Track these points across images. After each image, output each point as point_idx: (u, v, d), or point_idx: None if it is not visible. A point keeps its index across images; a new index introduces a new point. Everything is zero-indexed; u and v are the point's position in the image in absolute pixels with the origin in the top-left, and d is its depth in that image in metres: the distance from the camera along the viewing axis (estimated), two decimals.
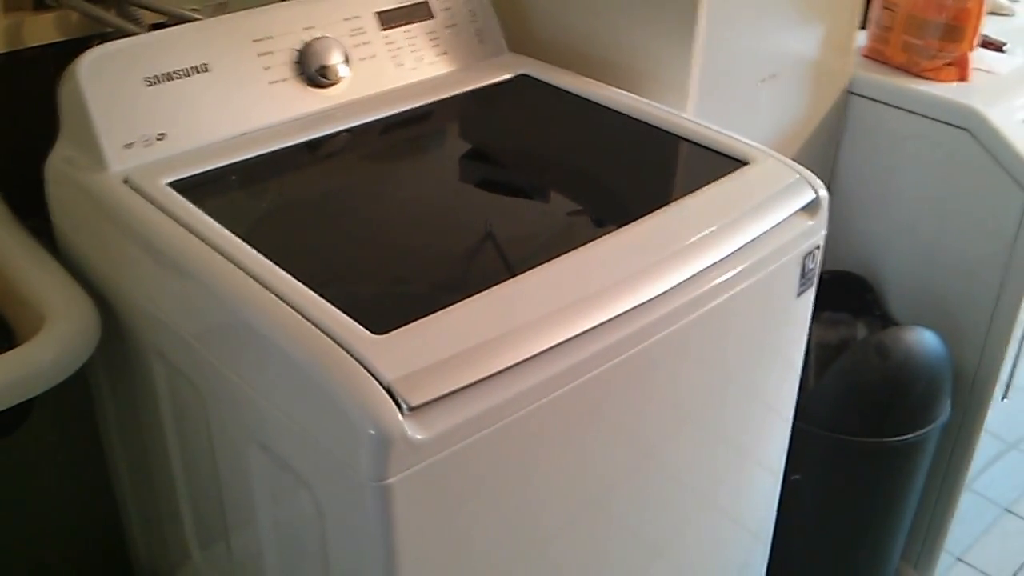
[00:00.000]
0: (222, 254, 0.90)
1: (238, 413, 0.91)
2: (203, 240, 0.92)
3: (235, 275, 0.88)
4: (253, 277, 0.87)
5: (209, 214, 0.96)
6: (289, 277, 0.86)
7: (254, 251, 0.90)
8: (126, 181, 1.01)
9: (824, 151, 1.59)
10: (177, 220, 0.95)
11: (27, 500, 1.30)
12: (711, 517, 1.21)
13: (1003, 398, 1.61)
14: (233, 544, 1.06)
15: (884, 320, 1.63)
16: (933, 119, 1.49)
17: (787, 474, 1.38)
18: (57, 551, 1.36)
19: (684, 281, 0.94)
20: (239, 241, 0.92)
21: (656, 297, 0.91)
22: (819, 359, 1.53)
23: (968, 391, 1.59)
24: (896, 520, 1.60)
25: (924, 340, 1.45)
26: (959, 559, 1.92)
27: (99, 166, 1.02)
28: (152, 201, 0.98)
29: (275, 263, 0.88)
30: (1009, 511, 2.05)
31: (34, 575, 1.34)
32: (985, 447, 1.73)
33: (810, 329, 1.57)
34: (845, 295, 1.64)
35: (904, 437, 1.47)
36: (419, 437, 0.76)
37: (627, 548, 1.08)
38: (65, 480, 1.32)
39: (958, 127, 1.46)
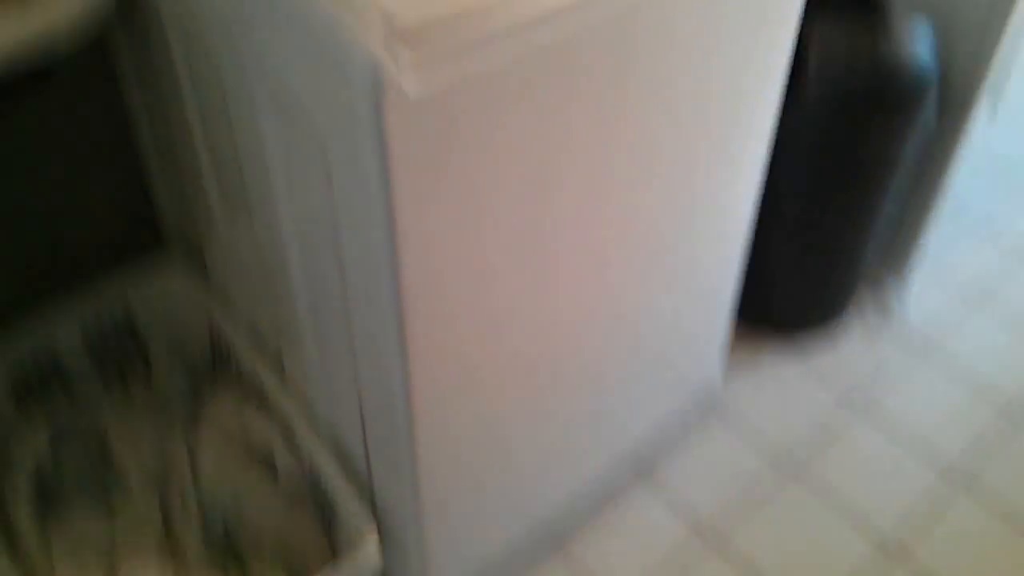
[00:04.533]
0: None
1: (250, 71, 0.95)
2: None
3: None
4: None
5: None
6: None
7: None
8: None
9: None
10: None
11: (58, 169, 1.35)
12: (690, 214, 1.28)
13: (992, 111, 1.65)
14: (254, 212, 1.13)
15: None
16: None
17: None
18: (88, 218, 1.42)
19: None
20: None
21: None
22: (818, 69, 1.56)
23: (958, 97, 1.63)
24: (870, 215, 1.68)
25: (911, 32, 1.49)
26: (938, 265, 2.02)
27: None
28: None
29: None
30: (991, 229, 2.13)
31: (66, 243, 1.41)
32: (975, 165, 1.78)
33: (811, 37, 1.60)
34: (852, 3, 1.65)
35: (888, 127, 1.52)
36: (416, 84, 0.80)
37: (610, 228, 1.16)
38: (93, 149, 1.36)
39: None
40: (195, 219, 1.35)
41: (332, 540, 1.26)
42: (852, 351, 1.86)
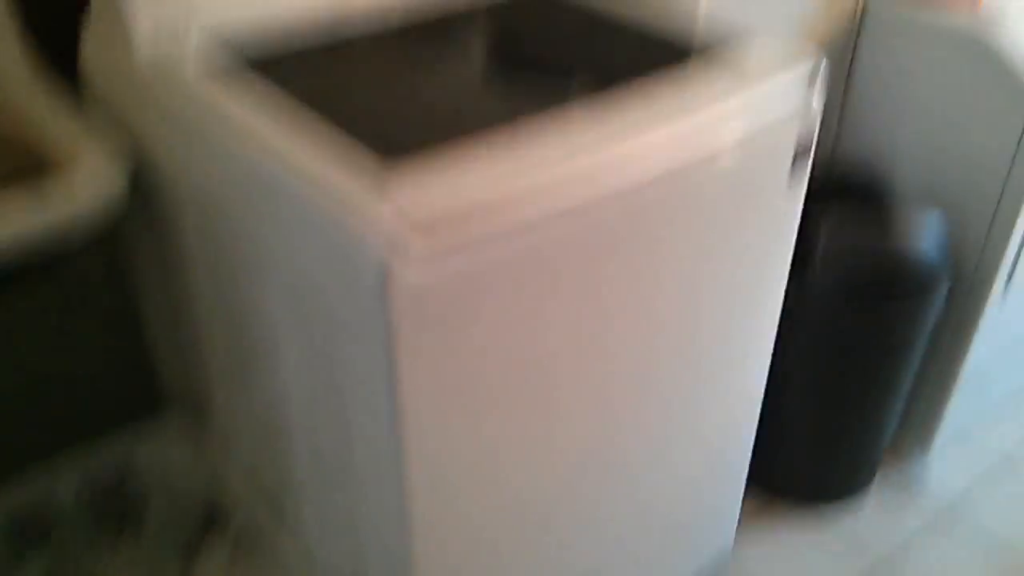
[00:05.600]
0: (250, 111, 0.97)
1: (262, 256, 1.00)
2: (230, 100, 0.99)
3: (264, 131, 0.95)
4: (278, 131, 0.94)
5: (237, 80, 1.02)
6: (311, 128, 0.94)
7: (279, 108, 0.97)
8: (157, 47, 1.07)
9: (840, 52, 1.64)
10: (205, 81, 1.02)
11: (67, 328, 1.38)
12: (697, 395, 1.30)
13: (1004, 293, 1.69)
14: (258, 385, 1.16)
15: None
16: (946, 28, 1.54)
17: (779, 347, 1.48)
18: (91, 382, 1.45)
19: (672, 139, 1.01)
20: (274, 92, 0.99)
21: (644, 154, 0.99)
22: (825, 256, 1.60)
23: (969, 281, 1.66)
24: (888, 396, 1.70)
25: (920, 223, 1.52)
26: (961, 436, 2.01)
27: (128, 38, 1.08)
28: (181, 66, 1.05)
29: (297, 116, 0.96)
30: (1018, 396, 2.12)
31: (72, 400, 1.44)
32: (993, 344, 1.79)
33: (819, 229, 1.64)
34: (859, 194, 1.71)
35: (899, 315, 1.55)
36: (420, 273, 0.85)
37: (616, 398, 1.18)
38: (99, 315, 1.40)
39: (969, 38, 1.51)
40: (197, 383, 1.36)
41: None
42: (873, 523, 1.83)
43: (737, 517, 1.68)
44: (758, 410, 1.49)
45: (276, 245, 0.97)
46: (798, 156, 1.16)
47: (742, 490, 1.62)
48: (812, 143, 1.17)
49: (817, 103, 1.15)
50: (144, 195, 1.15)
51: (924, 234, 1.52)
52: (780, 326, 1.41)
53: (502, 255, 0.91)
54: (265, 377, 1.15)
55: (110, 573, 1.32)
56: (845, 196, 1.68)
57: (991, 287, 1.65)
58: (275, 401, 1.15)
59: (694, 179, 1.05)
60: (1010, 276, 1.66)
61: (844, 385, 1.66)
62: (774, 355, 1.44)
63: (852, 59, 1.67)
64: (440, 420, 0.97)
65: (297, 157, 0.91)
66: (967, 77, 1.54)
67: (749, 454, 1.56)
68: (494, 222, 0.89)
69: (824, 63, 1.14)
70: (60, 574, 1.33)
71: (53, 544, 1.36)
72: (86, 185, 1.01)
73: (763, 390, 1.47)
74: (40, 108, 1.12)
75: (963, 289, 1.68)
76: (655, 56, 1.17)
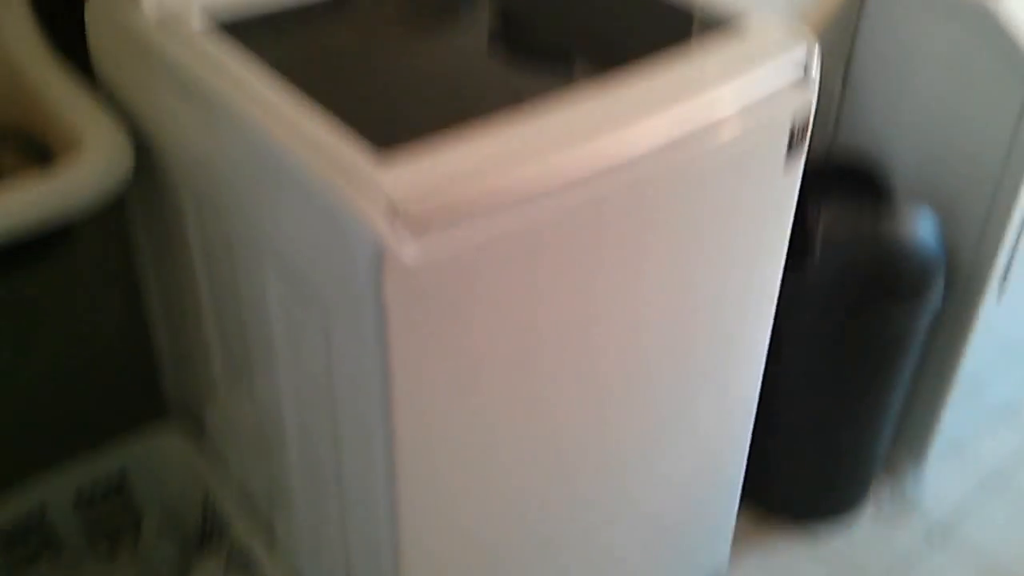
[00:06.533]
0: (249, 87, 0.96)
1: (258, 238, 0.99)
2: (231, 74, 0.98)
3: (261, 107, 0.93)
4: (275, 108, 0.93)
5: (239, 50, 1.01)
6: (308, 105, 0.92)
7: (278, 83, 0.96)
8: (161, 20, 1.07)
9: (840, 39, 1.62)
10: (207, 55, 1.01)
11: (64, 330, 1.38)
12: (690, 388, 1.28)
13: (999, 294, 1.66)
14: (256, 377, 1.15)
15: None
16: (946, 11, 1.52)
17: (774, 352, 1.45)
18: (92, 384, 1.44)
19: (667, 119, 0.99)
20: (265, 74, 0.98)
21: (639, 133, 0.97)
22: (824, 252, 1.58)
23: (964, 281, 1.64)
24: (883, 402, 1.67)
25: (917, 218, 1.50)
26: (955, 449, 1.98)
27: (135, 4, 1.08)
28: (184, 38, 1.04)
29: (296, 92, 0.94)
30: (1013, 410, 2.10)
31: (69, 404, 1.43)
32: (987, 348, 1.78)
33: (818, 222, 1.62)
34: (856, 187, 1.68)
35: (895, 313, 1.53)
36: (414, 254, 0.83)
37: (609, 397, 1.16)
38: (102, 314, 1.40)
39: (968, 18, 1.49)
40: (197, 385, 1.36)
41: None
42: (867, 537, 1.81)
43: (732, 530, 1.64)
44: (753, 414, 1.46)
45: (270, 225, 0.96)
46: (794, 137, 1.15)
47: (737, 501, 1.59)
48: (808, 123, 1.16)
49: (814, 79, 1.13)
50: (146, 180, 1.16)
51: (917, 227, 1.50)
52: (774, 329, 1.37)
53: (495, 237, 0.90)
54: (258, 378, 1.15)
55: None
56: (843, 188, 1.65)
57: (985, 287, 1.63)
58: (268, 405, 1.14)
59: (689, 159, 1.03)
60: (1004, 277, 1.64)
61: (839, 392, 1.63)
62: (768, 359, 1.41)
63: (852, 45, 1.66)
64: (431, 411, 0.95)
65: (293, 128, 0.91)
66: (968, 50, 1.52)
67: (744, 461, 1.53)
68: (487, 203, 0.88)
69: (819, 46, 1.13)
70: None
71: (49, 556, 1.37)
72: (95, 167, 1.01)
73: (757, 392, 1.44)
74: (51, 90, 1.11)
75: (957, 290, 1.66)
76: (650, 34, 1.16)
